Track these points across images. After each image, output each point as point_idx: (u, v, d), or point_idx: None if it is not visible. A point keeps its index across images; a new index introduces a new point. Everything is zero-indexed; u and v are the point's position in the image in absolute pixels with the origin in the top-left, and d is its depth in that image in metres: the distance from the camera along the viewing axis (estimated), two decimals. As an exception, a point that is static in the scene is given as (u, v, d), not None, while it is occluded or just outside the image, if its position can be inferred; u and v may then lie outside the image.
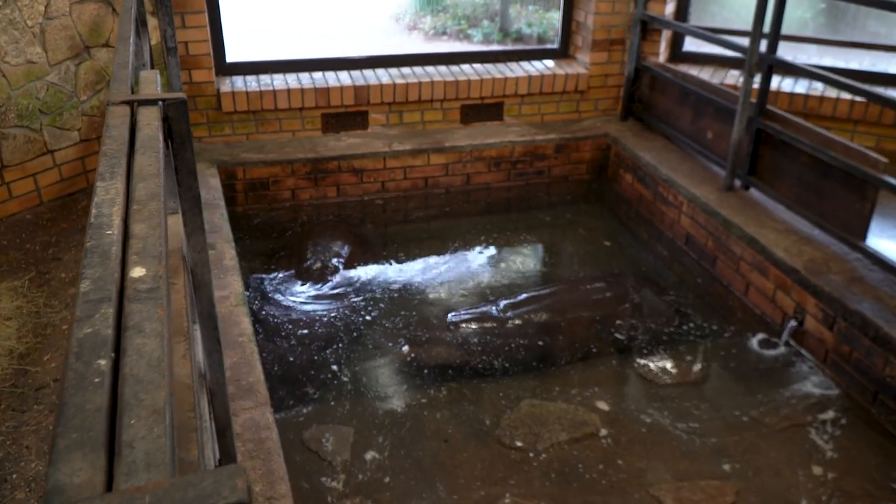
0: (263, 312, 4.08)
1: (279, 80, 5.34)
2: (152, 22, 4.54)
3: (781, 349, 3.86)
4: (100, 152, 1.45)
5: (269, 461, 2.48)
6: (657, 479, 3.04)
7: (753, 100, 4.47)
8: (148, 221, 1.18)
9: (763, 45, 4.41)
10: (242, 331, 3.16)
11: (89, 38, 4.35)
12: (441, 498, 2.91)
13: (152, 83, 1.92)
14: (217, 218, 4.18)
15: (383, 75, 5.54)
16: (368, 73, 5.59)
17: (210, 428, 1.98)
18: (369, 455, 3.15)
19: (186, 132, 1.76)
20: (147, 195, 1.27)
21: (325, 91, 5.32)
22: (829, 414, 3.42)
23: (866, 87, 4.13)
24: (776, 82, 5.38)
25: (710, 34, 4.86)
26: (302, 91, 5.28)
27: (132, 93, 1.89)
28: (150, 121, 1.62)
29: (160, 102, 1.73)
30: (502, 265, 4.79)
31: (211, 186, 4.60)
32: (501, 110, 5.82)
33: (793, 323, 3.84)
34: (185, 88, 5.06)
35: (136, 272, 1.04)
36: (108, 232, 1.14)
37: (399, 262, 4.79)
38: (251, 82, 5.30)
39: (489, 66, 5.84)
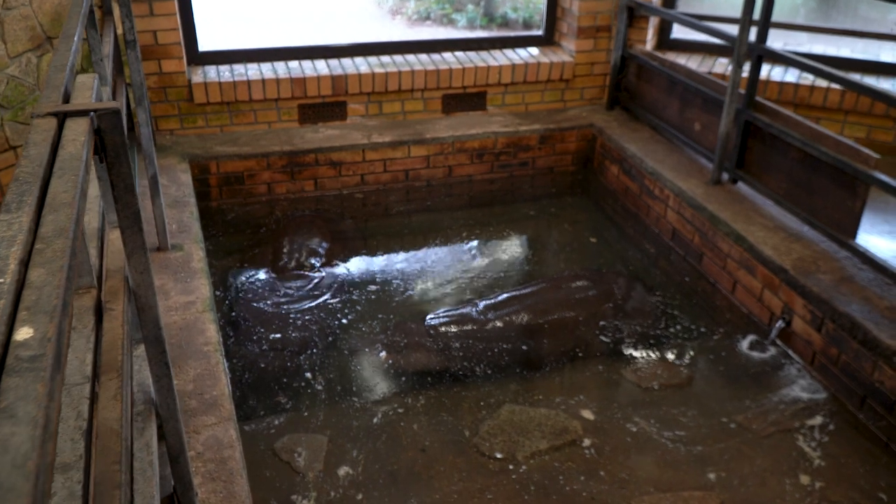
0: (235, 315, 3.94)
1: (254, 70, 5.17)
2: (119, 10, 4.35)
3: (770, 351, 3.76)
4: (13, 176, 1.31)
5: (230, 483, 2.35)
6: (640, 490, 2.94)
7: (742, 90, 4.34)
8: (49, 265, 1.03)
9: (753, 34, 4.27)
10: (208, 339, 3.02)
11: (51, 29, 4.16)
12: (415, 514, 2.80)
13: (88, 90, 1.77)
14: (186, 216, 4.02)
15: (362, 64, 5.37)
16: (347, 61, 5.42)
17: (156, 458, 1.85)
18: (343, 468, 3.03)
19: (121, 145, 1.61)
20: (54, 231, 1.12)
21: (302, 81, 5.15)
22: (817, 419, 3.32)
23: (856, 78, 4.01)
24: (766, 71, 5.25)
25: (698, 22, 4.71)
26: (278, 81, 5.10)
27: (63, 102, 1.73)
28: (77, 136, 1.47)
29: (91, 113, 1.58)
30: (485, 262, 4.66)
31: (181, 182, 4.43)
32: (484, 100, 5.66)
33: (780, 324, 3.73)
34: (154, 79, 4.89)
35: (22, 334, 0.89)
36: (0, 280, 1.00)
37: (378, 259, 4.65)
38: (224, 72, 5.12)
39: (472, 54, 5.67)
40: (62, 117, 1.56)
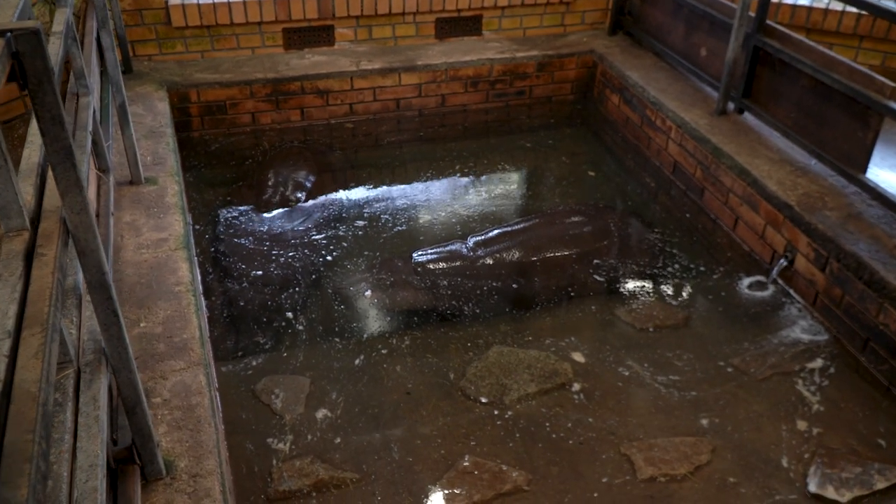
0: (214, 251, 3.79)
1: (234, -9, 4.87)
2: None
3: (770, 291, 3.61)
4: None
5: (197, 431, 2.24)
6: (629, 436, 2.84)
7: (752, 13, 4.06)
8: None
9: (765, -48, 3.97)
10: (180, 279, 2.88)
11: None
12: (395, 459, 2.70)
13: (11, 8, 1.56)
14: (162, 148, 3.83)
15: (350, -15, 5.06)
16: (333, -18, 5.10)
17: (105, 413, 1.72)
18: (323, 410, 2.92)
19: (44, 71, 1.42)
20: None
21: (286, 3, 4.87)
22: (817, 362, 3.20)
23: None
24: (778, -7, 4.94)
25: (708, -61, 4.39)
26: (260, 3, 4.82)
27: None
28: (-16, 59, 1.28)
29: (8, 34, 1.38)
30: (478, 196, 4.47)
31: (158, 111, 4.21)
32: (480, 24, 5.37)
33: (783, 262, 3.57)
34: (129, 1, 4.60)
35: None
36: None
37: (366, 193, 4.47)
38: (203, -7, 4.83)
39: (467, -26, 5.35)
40: (-29, 38, 1.36)
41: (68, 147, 1.51)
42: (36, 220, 1.65)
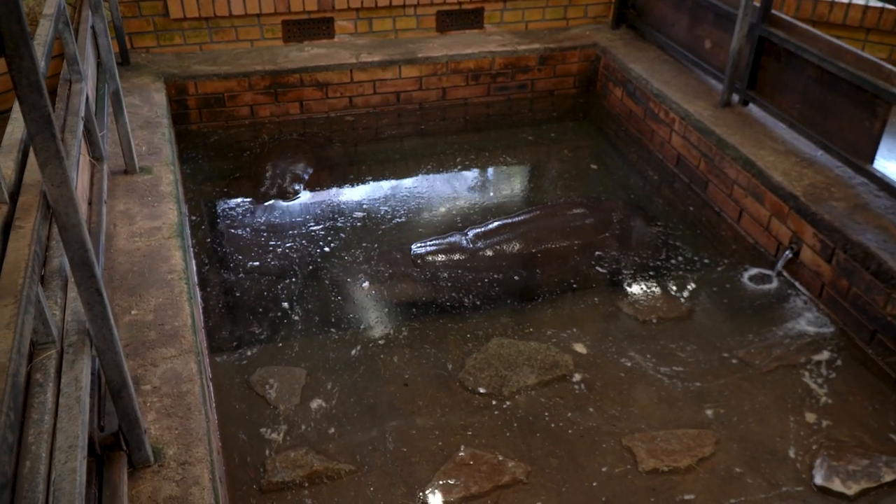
0: (210, 241, 3.74)
1: (233, -17, 4.83)
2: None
3: (776, 283, 3.54)
4: None
5: (187, 419, 2.19)
6: (631, 427, 2.77)
7: (757, 3, 4.00)
8: None
9: (770, -59, 3.91)
10: (173, 267, 2.82)
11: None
12: (390, 450, 2.64)
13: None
14: (158, 138, 3.78)
15: (350, -23, 5.02)
16: (333, -26, 5.06)
17: (86, 394, 1.66)
18: (317, 401, 2.87)
19: (20, 34, 1.36)
20: None
21: (285, -5, 4.82)
22: (824, 354, 3.13)
23: (884, -12, 3.66)
24: (783, -15, 4.88)
25: (712, -72, 4.33)
26: (259, -5, 4.77)
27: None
28: (-46, 18, 1.23)
29: (-21, -6, 1.33)
30: (479, 190, 4.42)
31: (155, 102, 4.17)
32: (481, 17, 5.32)
33: (788, 254, 3.51)
34: (126, -8, 4.56)
35: None
36: None
37: (365, 186, 4.41)
38: (202, -15, 4.79)
39: (468, -33, 5.30)
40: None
41: (47, 115, 1.46)
42: (15, 194, 1.60)
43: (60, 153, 1.52)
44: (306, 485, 2.51)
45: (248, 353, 3.10)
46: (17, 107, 1.95)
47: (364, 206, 4.16)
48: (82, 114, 2.66)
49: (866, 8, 4.67)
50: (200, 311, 3.13)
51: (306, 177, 4.37)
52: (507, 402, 2.87)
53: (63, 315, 1.80)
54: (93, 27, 3.41)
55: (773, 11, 3.96)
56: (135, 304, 2.61)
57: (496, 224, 3.82)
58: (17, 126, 1.82)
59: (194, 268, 3.37)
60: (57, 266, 1.85)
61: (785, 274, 3.56)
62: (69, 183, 1.56)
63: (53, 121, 1.47)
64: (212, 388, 2.82)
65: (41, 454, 1.45)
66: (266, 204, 4.08)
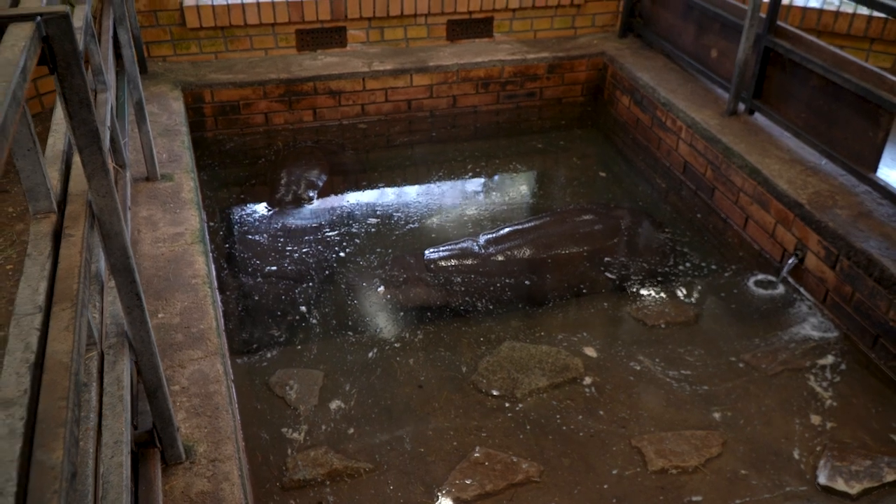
0: (229, 247, 3.84)
1: (249, -7, 4.93)
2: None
3: (780, 289, 3.62)
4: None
5: (216, 418, 2.28)
6: (640, 429, 2.85)
7: (763, 14, 4.09)
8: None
9: (775, -47, 3.99)
10: (196, 272, 2.92)
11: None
12: (407, 450, 2.73)
13: (41, -6, 1.60)
14: (177, 146, 3.88)
15: (362, -13, 5.12)
16: (346, -16, 5.16)
17: (128, 393, 1.76)
18: (336, 402, 2.95)
19: (73, 54, 1.46)
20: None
21: (299, 4, 4.92)
22: (828, 359, 3.21)
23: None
24: (788, -5, 4.97)
25: (718, -59, 4.42)
26: (273, 4, 4.88)
27: (11, 5, 1.58)
28: (18, 41, 1.32)
29: (38, 18, 1.42)
30: (489, 196, 4.51)
31: (173, 111, 4.27)
32: (491, 26, 5.41)
33: (793, 260, 3.59)
34: (144, 1, 4.67)
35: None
36: None
37: (378, 192, 4.51)
38: (218, -5, 4.89)
39: (478, -23, 5.40)
40: (4, 21, 1.41)
41: (95, 130, 1.55)
42: (62, 203, 1.69)
43: (106, 166, 1.61)
44: (327, 483, 2.60)
45: (267, 356, 3.19)
46: (57, 118, 2.04)
47: (377, 212, 4.25)
48: (108, 123, 2.75)
49: (870, 18, 4.75)
50: (221, 313, 3.22)
51: (320, 183, 4.46)
52: (520, 404, 2.95)
53: (102, 318, 1.89)
54: (114, 37, 3.51)
55: (779, 23, 4.05)
56: (161, 308, 2.71)
57: (507, 230, 3.91)
58: (58, 138, 1.92)
59: (214, 272, 3.46)
60: (94, 272, 1.95)
61: (790, 280, 3.65)
62: (114, 194, 1.65)
63: (101, 136, 1.57)
64: (234, 390, 2.91)
65: (89, 449, 1.54)
66: (281, 210, 4.18)
